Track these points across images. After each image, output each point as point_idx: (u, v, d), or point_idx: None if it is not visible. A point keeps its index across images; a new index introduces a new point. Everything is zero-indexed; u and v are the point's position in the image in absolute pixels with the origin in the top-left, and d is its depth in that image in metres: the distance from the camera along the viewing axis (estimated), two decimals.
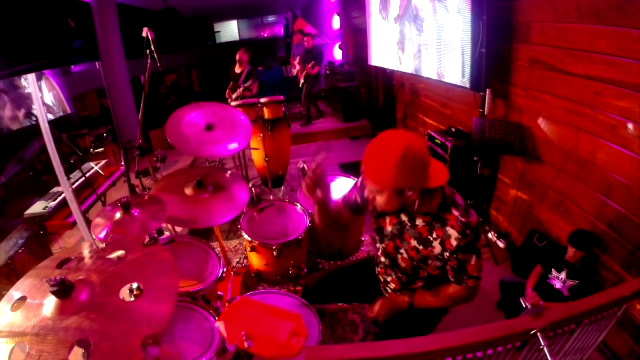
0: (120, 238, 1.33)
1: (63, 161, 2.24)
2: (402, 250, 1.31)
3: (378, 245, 1.45)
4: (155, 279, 0.98)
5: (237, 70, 4.78)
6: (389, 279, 1.44)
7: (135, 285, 0.97)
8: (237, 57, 4.79)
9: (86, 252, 1.06)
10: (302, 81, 5.84)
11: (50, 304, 0.88)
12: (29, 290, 0.95)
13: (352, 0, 6.15)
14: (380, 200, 1.15)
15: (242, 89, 4.59)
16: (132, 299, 0.95)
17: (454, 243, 1.16)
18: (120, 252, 1.03)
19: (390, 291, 1.46)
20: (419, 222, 1.24)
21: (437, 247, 1.21)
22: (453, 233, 1.16)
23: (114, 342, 0.82)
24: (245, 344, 0.87)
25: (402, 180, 1.07)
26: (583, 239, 1.85)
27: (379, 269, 1.50)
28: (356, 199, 1.42)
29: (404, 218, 1.28)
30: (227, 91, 4.85)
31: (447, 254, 1.19)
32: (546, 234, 2.33)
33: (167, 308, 0.92)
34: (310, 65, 5.65)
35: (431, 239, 1.21)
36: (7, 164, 2.95)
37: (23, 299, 0.92)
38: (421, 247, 1.25)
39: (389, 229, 1.34)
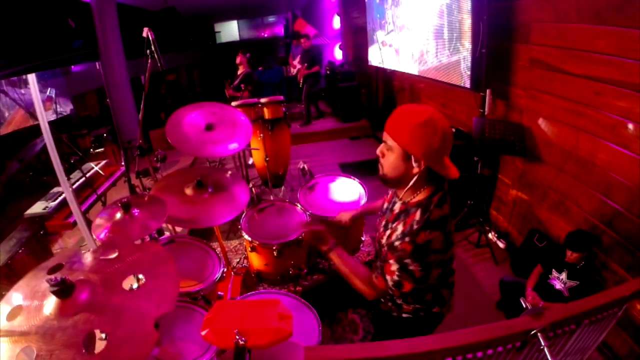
0: (115, 237, 1.34)
1: (63, 161, 2.23)
2: (378, 229, 1.34)
3: None
4: (154, 268, 0.99)
5: (240, 72, 4.86)
6: None
7: (137, 276, 0.99)
8: (237, 62, 4.92)
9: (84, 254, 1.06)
10: (301, 81, 5.85)
11: (50, 305, 0.88)
12: (27, 292, 0.94)
13: (352, 0, 6.15)
14: (388, 158, 1.17)
15: (236, 83, 4.66)
16: (136, 288, 0.97)
17: (395, 238, 1.16)
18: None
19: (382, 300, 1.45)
20: (396, 207, 1.25)
21: (386, 237, 1.22)
22: (400, 230, 1.16)
23: (127, 329, 0.84)
24: (241, 342, 0.87)
25: (415, 145, 1.09)
26: (579, 240, 1.85)
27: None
28: None
29: (393, 200, 1.31)
30: (227, 86, 4.88)
31: (387, 246, 1.19)
32: (546, 234, 2.33)
33: (172, 287, 0.95)
34: (304, 66, 5.66)
35: (391, 226, 1.22)
36: (7, 164, 2.95)
37: (18, 308, 0.91)
38: (382, 231, 1.27)
39: (385, 205, 1.38)
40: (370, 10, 4.78)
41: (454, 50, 2.81)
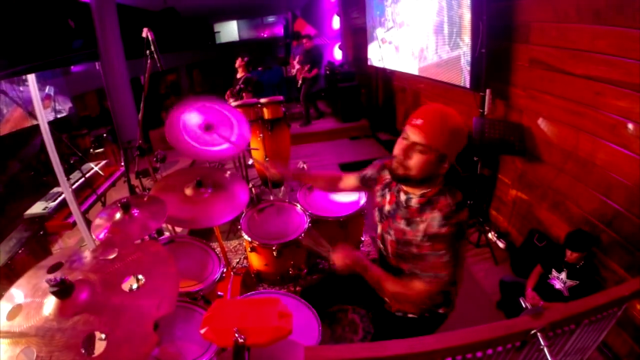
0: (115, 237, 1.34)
1: (63, 161, 2.23)
2: (392, 231, 1.27)
3: (377, 231, 1.41)
4: (154, 268, 0.99)
5: (239, 76, 4.87)
6: None
7: (136, 276, 0.99)
8: (236, 65, 4.96)
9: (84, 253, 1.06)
10: (300, 81, 5.84)
11: (49, 305, 0.87)
12: (28, 289, 0.94)
13: (352, 1, 6.16)
14: (417, 160, 1.12)
15: (237, 89, 4.66)
16: (136, 288, 0.97)
17: (435, 226, 1.13)
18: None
19: (387, 300, 1.43)
20: (414, 202, 1.22)
21: (420, 231, 1.17)
22: (437, 216, 1.13)
23: (127, 330, 0.84)
24: (240, 340, 0.87)
25: (452, 147, 1.13)
26: (578, 240, 1.85)
27: None
28: (370, 174, 1.47)
29: (402, 197, 1.26)
30: (227, 92, 4.88)
31: (424, 239, 1.15)
32: (546, 234, 2.33)
33: (172, 288, 0.95)
34: (306, 69, 5.66)
35: (418, 220, 1.18)
36: (8, 164, 2.95)
37: (18, 307, 0.91)
38: (407, 229, 1.21)
39: (387, 207, 1.33)
40: (369, 8, 4.79)
41: (454, 45, 2.81)
